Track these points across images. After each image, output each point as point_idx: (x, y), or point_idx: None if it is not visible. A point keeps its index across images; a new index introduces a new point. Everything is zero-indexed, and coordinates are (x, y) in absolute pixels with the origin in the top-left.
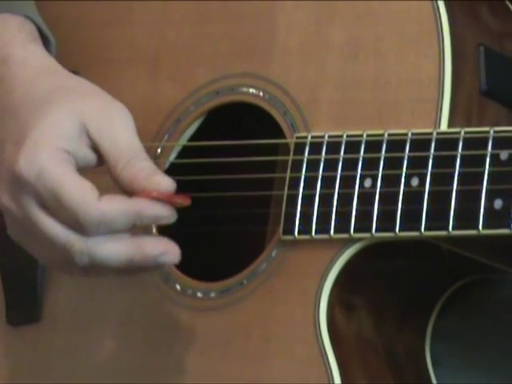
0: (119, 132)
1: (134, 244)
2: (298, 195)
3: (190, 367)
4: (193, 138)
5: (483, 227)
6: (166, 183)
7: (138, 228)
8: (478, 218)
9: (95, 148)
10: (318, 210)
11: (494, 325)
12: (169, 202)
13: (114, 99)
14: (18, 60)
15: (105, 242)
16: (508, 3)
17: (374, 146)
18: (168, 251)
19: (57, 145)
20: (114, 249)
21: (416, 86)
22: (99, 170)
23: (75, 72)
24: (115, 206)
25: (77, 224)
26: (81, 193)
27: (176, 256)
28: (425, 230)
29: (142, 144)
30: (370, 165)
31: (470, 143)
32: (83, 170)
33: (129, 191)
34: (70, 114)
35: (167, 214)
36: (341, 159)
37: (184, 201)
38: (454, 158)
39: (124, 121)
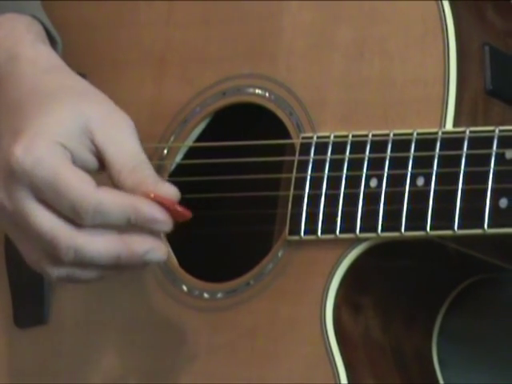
0: (125, 139)
1: (121, 240)
2: (303, 195)
3: (196, 368)
4: (199, 139)
5: (489, 226)
6: (172, 191)
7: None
8: (484, 217)
9: (97, 154)
10: (323, 210)
11: (501, 324)
12: (170, 208)
13: (118, 108)
14: (27, 58)
15: (92, 238)
16: None
17: (379, 145)
18: (155, 248)
19: (56, 139)
20: (101, 245)
21: (421, 85)
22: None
23: (82, 74)
24: (113, 197)
25: (73, 212)
26: (79, 181)
27: (163, 253)
28: (430, 229)
29: (145, 154)
30: (376, 165)
31: (475, 142)
32: None
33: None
34: (75, 115)
35: (164, 219)
36: (346, 159)
37: (185, 213)
38: (460, 157)
39: (128, 129)
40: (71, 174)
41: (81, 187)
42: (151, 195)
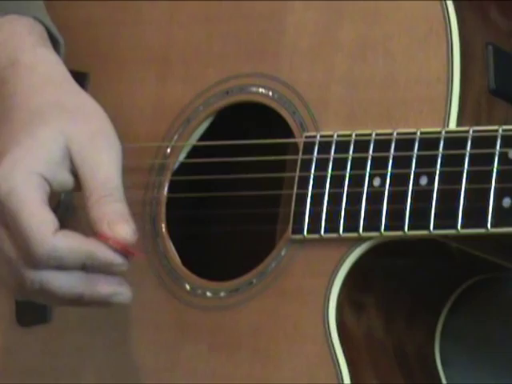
0: (101, 164)
1: (86, 281)
2: (307, 194)
3: (199, 367)
4: (202, 138)
5: (492, 226)
6: (126, 234)
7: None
8: (487, 217)
9: (75, 173)
10: (327, 209)
11: (504, 324)
12: (123, 252)
13: (109, 129)
14: (26, 65)
15: (56, 274)
16: None
17: (382, 145)
18: (118, 293)
19: (34, 169)
20: (65, 282)
21: (425, 85)
22: None
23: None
24: (68, 243)
25: (27, 254)
26: (39, 223)
27: (127, 297)
28: (433, 228)
29: (120, 181)
30: (379, 164)
31: (478, 142)
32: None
33: (92, 229)
34: (57, 137)
35: (119, 263)
36: (350, 158)
37: (138, 255)
38: (463, 156)
39: (109, 153)
40: (34, 213)
41: (38, 230)
42: (106, 236)
